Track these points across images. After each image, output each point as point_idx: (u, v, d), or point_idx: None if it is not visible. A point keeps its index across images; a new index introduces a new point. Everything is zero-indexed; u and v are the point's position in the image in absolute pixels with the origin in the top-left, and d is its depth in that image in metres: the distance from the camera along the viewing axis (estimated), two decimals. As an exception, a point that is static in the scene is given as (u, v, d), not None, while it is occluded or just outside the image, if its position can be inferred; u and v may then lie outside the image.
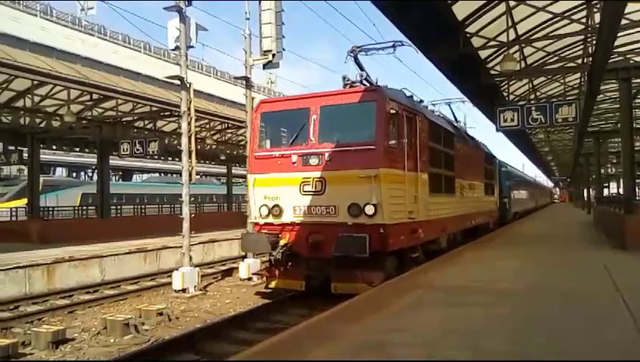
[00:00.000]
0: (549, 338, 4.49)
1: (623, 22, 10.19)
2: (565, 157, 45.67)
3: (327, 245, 8.20)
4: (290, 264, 9.02)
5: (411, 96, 10.23)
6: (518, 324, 5.04)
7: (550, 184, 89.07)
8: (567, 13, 14.17)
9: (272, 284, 9.30)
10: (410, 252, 9.31)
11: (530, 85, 20.30)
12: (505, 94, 19.92)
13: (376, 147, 8.09)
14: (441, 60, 15.19)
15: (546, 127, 20.77)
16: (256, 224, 9.27)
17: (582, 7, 13.89)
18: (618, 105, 15.05)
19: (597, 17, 12.22)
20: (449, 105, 16.25)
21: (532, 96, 20.80)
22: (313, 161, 8.51)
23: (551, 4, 13.59)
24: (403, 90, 10.01)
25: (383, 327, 4.98)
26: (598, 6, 12.52)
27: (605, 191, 31.92)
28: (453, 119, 15.26)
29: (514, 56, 14.31)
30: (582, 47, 16.35)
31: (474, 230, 15.32)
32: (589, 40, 15.05)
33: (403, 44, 10.53)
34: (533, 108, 15.07)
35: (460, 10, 13.31)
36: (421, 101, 11.19)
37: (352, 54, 10.11)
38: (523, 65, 16.25)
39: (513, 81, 19.49)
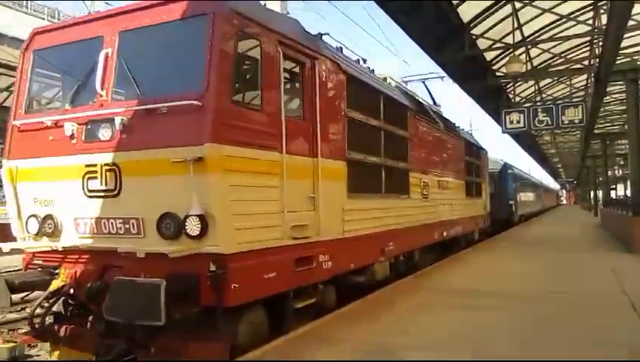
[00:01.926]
0: (556, 343, 4.47)
1: (630, 23, 10.16)
2: (572, 160, 45.50)
3: None
4: (89, 319, 5.00)
5: (319, 36, 6.49)
6: (527, 328, 5.02)
7: (557, 186, 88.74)
8: (574, 15, 14.15)
9: (55, 356, 5.29)
10: (297, 299, 5.29)
11: (536, 87, 20.26)
12: (511, 96, 19.89)
13: (202, 103, 4.29)
14: (447, 62, 15.18)
15: (552, 129, 20.73)
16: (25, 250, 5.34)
17: (588, 9, 13.86)
18: (625, 107, 14.98)
19: (604, 19, 12.17)
20: (424, 82, 13.95)
21: (538, 98, 20.75)
22: (104, 133, 4.75)
23: (557, 5, 13.56)
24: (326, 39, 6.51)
25: (389, 330, 4.98)
26: (604, 7, 12.48)
27: (612, 194, 31.71)
28: (430, 100, 12.44)
29: (520, 58, 14.30)
30: (588, 48, 16.31)
31: (449, 243, 11.72)
32: (595, 41, 15.00)
33: None
34: (540, 109, 15.08)
35: (466, 12, 13.30)
36: (364, 61, 7.83)
37: None
38: (529, 66, 16.22)
39: (519, 83, 19.47)
